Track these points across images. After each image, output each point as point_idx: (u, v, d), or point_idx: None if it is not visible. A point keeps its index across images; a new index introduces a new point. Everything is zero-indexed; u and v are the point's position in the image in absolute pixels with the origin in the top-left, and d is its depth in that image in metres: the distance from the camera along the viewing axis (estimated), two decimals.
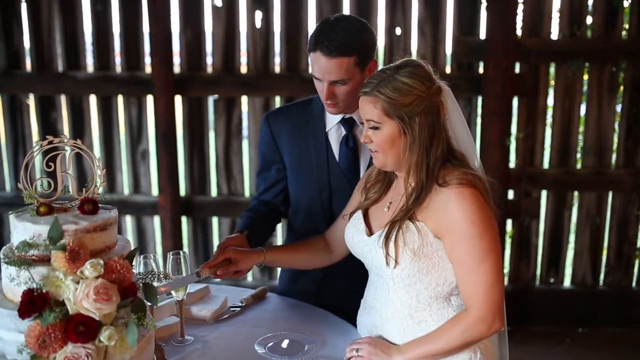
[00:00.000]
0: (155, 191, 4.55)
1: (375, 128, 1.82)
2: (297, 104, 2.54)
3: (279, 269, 4.55)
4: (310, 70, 2.25)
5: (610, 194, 4.35)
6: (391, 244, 1.82)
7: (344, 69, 2.14)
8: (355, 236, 1.98)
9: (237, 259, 2.17)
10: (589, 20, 4.10)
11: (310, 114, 2.41)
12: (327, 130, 2.37)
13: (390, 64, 1.86)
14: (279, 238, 4.56)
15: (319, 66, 2.15)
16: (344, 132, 2.35)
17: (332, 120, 2.36)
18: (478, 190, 1.76)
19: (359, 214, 2.01)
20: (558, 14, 4.12)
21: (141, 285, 1.70)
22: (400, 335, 1.89)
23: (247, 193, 4.47)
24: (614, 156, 4.29)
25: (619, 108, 4.23)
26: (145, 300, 1.68)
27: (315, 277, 2.44)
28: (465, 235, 1.75)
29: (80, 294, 1.49)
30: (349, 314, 2.19)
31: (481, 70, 4.18)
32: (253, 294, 2.46)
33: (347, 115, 2.33)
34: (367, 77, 2.19)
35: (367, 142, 1.87)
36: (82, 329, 1.48)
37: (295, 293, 2.50)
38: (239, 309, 2.36)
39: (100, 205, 1.74)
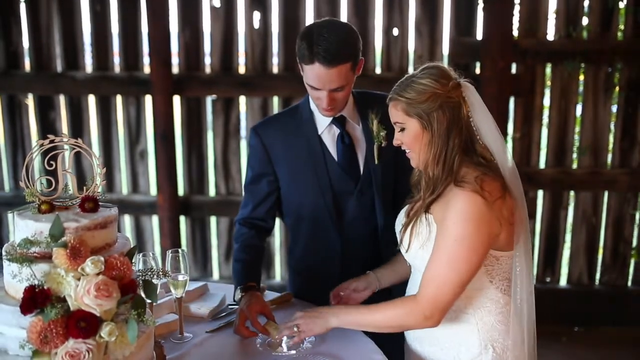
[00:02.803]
0: (153, 191, 4.57)
1: (402, 129, 1.94)
2: (283, 114, 2.55)
3: (277, 268, 4.59)
4: (305, 80, 2.27)
5: (606, 194, 4.38)
6: (406, 234, 1.94)
7: (343, 75, 2.17)
8: (397, 225, 2.10)
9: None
10: (585, 21, 4.13)
11: (300, 120, 2.40)
12: (320, 133, 2.38)
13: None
14: (277, 237, 4.58)
15: (318, 77, 2.16)
16: (337, 131, 2.37)
17: (324, 123, 2.37)
18: (485, 199, 1.80)
19: (407, 207, 2.09)
20: (554, 15, 4.15)
21: (141, 282, 1.72)
22: None
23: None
24: (609, 156, 4.31)
25: (614, 108, 4.26)
26: (144, 297, 1.70)
27: (333, 279, 2.39)
28: (446, 233, 1.83)
29: (81, 290, 1.52)
30: None
31: (478, 70, 4.20)
32: None
33: (338, 114, 2.35)
34: (357, 75, 2.25)
35: (399, 144, 1.98)
36: (83, 324, 1.50)
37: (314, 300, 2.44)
38: (237, 306, 2.36)
39: (100, 203, 1.76)
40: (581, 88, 4.24)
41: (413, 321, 1.88)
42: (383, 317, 1.91)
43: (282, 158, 2.40)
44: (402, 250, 1.99)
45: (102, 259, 1.58)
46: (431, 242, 1.88)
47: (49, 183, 1.77)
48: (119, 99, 4.42)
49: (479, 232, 1.80)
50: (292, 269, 2.63)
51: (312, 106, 2.39)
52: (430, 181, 1.91)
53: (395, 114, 1.94)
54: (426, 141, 1.90)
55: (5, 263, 1.61)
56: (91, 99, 4.44)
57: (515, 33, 4.12)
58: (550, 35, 4.18)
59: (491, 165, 1.90)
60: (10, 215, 4.34)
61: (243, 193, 2.54)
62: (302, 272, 2.56)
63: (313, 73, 2.16)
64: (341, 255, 2.42)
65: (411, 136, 1.92)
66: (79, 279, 1.54)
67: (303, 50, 2.16)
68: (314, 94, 2.24)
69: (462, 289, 1.84)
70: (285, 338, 2.10)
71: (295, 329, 2.00)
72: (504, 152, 1.96)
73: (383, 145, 2.29)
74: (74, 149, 1.78)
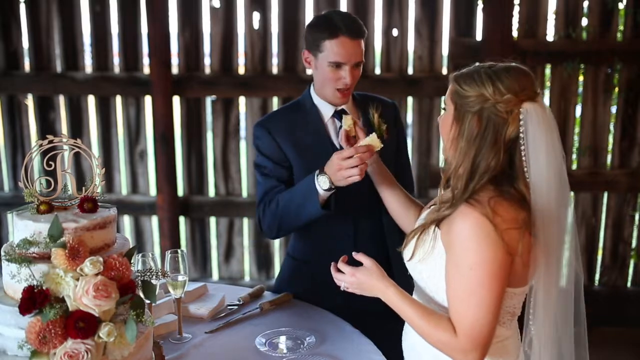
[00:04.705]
0: (153, 191, 4.57)
1: (444, 109, 1.82)
2: (285, 108, 2.58)
3: (277, 269, 4.58)
4: (324, 61, 2.28)
5: (606, 195, 4.38)
6: (412, 240, 1.82)
7: (361, 51, 2.29)
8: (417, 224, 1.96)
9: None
10: (585, 21, 4.13)
11: (304, 112, 2.44)
12: (325, 122, 2.43)
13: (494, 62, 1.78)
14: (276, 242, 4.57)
15: (344, 50, 2.24)
16: (339, 124, 2.41)
17: (325, 116, 2.42)
18: (495, 225, 1.62)
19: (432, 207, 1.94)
20: (554, 16, 4.15)
21: (140, 282, 1.72)
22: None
23: (244, 193, 4.49)
24: (609, 157, 4.31)
25: (614, 109, 4.26)
26: (143, 298, 1.70)
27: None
28: (459, 262, 1.67)
29: (80, 290, 1.52)
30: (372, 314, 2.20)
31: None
32: (250, 292, 2.48)
33: (339, 108, 2.40)
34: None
35: (439, 122, 1.85)
36: (81, 325, 1.50)
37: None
38: (236, 307, 2.38)
39: (99, 203, 1.76)
40: (581, 89, 4.23)
41: (450, 354, 1.72)
42: (430, 333, 1.73)
43: (290, 144, 2.40)
44: (405, 257, 1.86)
45: (100, 259, 1.58)
46: (433, 258, 1.76)
47: (48, 183, 1.77)
48: (118, 99, 4.42)
49: (495, 257, 1.62)
50: (291, 258, 2.60)
51: (316, 100, 2.43)
52: (451, 193, 1.74)
53: (448, 91, 1.78)
54: (453, 137, 1.74)
55: (4, 263, 1.62)
56: (91, 100, 4.44)
57: (515, 34, 4.12)
58: (550, 36, 4.18)
59: (520, 197, 1.69)
60: (9, 216, 4.34)
61: (261, 188, 2.43)
62: (308, 263, 2.51)
63: (338, 47, 2.25)
64: (352, 245, 2.38)
65: (445, 120, 1.79)
66: (77, 280, 1.54)
67: (322, 30, 2.26)
68: (335, 74, 2.29)
69: (494, 316, 1.67)
70: (284, 339, 2.11)
71: (343, 285, 1.89)
72: (557, 205, 1.69)
73: (385, 137, 2.30)
74: (73, 149, 1.78)
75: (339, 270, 1.90)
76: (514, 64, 1.75)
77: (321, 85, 2.38)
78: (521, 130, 1.68)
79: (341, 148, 2.38)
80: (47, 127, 4.42)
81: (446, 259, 1.72)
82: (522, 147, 1.69)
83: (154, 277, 1.83)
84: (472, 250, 1.64)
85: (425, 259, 1.78)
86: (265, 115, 2.60)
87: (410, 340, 1.92)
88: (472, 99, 1.70)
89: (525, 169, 1.70)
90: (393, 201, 2.23)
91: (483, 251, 1.63)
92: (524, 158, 1.69)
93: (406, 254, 1.85)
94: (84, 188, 1.77)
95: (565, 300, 1.84)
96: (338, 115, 2.41)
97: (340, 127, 2.39)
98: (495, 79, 1.69)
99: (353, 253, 1.89)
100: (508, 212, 1.65)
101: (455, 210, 1.68)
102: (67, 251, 1.55)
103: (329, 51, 2.25)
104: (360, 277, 1.85)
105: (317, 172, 2.19)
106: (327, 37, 2.24)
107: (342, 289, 1.90)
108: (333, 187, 2.16)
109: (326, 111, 2.42)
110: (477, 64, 1.78)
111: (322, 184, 2.17)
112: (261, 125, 2.44)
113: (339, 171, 2.12)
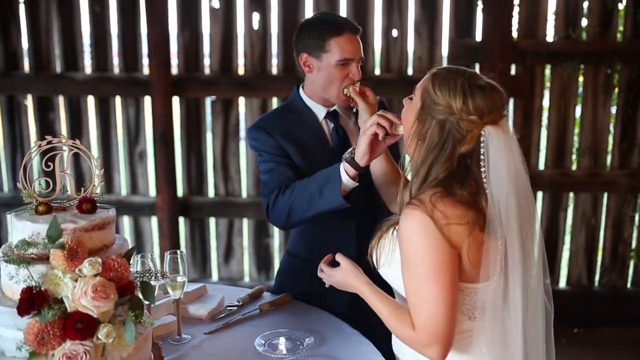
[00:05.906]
0: (152, 192, 4.57)
1: (411, 99, 1.81)
2: (278, 109, 2.55)
3: (276, 270, 4.57)
4: (330, 60, 2.27)
5: (606, 195, 4.38)
6: (374, 248, 1.85)
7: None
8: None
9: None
10: (584, 22, 4.13)
11: (298, 112, 2.43)
12: (320, 122, 2.43)
13: (477, 72, 1.78)
14: (276, 238, 4.58)
15: (352, 45, 2.24)
16: (332, 125, 2.42)
17: (319, 117, 2.42)
18: (435, 221, 1.64)
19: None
20: (553, 16, 4.15)
21: (139, 283, 1.72)
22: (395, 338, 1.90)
23: (244, 194, 4.49)
24: (609, 157, 4.31)
25: (613, 109, 4.26)
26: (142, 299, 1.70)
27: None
28: (407, 260, 1.70)
29: (79, 291, 1.51)
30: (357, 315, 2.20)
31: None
32: (249, 293, 2.48)
33: (331, 109, 2.40)
34: None
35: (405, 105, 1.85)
36: (80, 326, 1.50)
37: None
38: (235, 308, 2.37)
39: (98, 204, 1.76)
40: (580, 89, 4.23)
41: (412, 346, 1.75)
42: (396, 328, 1.77)
43: (290, 144, 2.36)
44: (375, 264, 1.86)
45: (99, 260, 1.58)
46: (395, 260, 1.77)
47: (47, 184, 1.77)
48: (118, 100, 4.42)
49: (438, 251, 1.64)
50: (291, 256, 2.60)
51: (308, 102, 2.43)
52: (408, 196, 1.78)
53: (422, 83, 1.77)
54: (413, 133, 1.76)
55: (3, 264, 1.61)
56: (90, 100, 4.44)
57: (515, 34, 4.12)
58: (550, 37, 4.18)
59: (471, 200, 1.70)
60: (8, 217, 4.33)
61: (273, 177, 2.35)
62: (307, 260, 2.44)
63: (346, 43, 2.24)
64: (354, 242, 2.40)
65: (410, 111, 1.78)
66: (76, 280, 1.54)
67: (326, 29, 2.24)
68: (342, 72, 2.27)
69: (449, 310, 1.67)
70: (283, 340, 2.11)
71: (326, 281, 1.98)
72: (517, 217, 1.71)
73: None
74: (72, 150, 1.78)
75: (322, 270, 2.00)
76: (492, 82, 1.76)
77: (323, 88, 2.35)
78: (482, 152, 1.71)
79: (337, 148, 2.39)
80: (46, 127, 4.42)
81: (400, 260, 1.75)
82: (483, 167, 1.71)
83: (153, 278, 1.83)
84: (416, 247, 1.67)
85: (389, 262, 1.81)
86: (258, 119, 2.54)
87: (397, 338, 1.92)
88: (440, 107, 1.71)
89: (486, 185, 1.71)
90: (378, 171, 2.28)
91: (426, 247, 1.66)
92: (484, 176, 1.71)
93: (373, 261, 1.86)
94: (82, 189, 1.76)
95: (533, 300, 1.91)
96: (330, 116, 2.41)
97: (333, 127, 2.40)
98: (468, 95, 1.69)
99: (336, 255, 1.96)
100: (449, 208, 1.67)
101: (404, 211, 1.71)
102: (65, 252, 1.55)
103: (336, 49, 2.23)
104: (337, 277, 1.95)
105: (346, 158, 2.11)
106: (332, 35, 2.21)
107: (326, 285, 2.00)
108: (353, 155, 2.07)
109: (319, 113, 2.42)
110: (462, 68, 1.78)
111: (346, 153, 2.12)
112: (257, 128, 2.41)
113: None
